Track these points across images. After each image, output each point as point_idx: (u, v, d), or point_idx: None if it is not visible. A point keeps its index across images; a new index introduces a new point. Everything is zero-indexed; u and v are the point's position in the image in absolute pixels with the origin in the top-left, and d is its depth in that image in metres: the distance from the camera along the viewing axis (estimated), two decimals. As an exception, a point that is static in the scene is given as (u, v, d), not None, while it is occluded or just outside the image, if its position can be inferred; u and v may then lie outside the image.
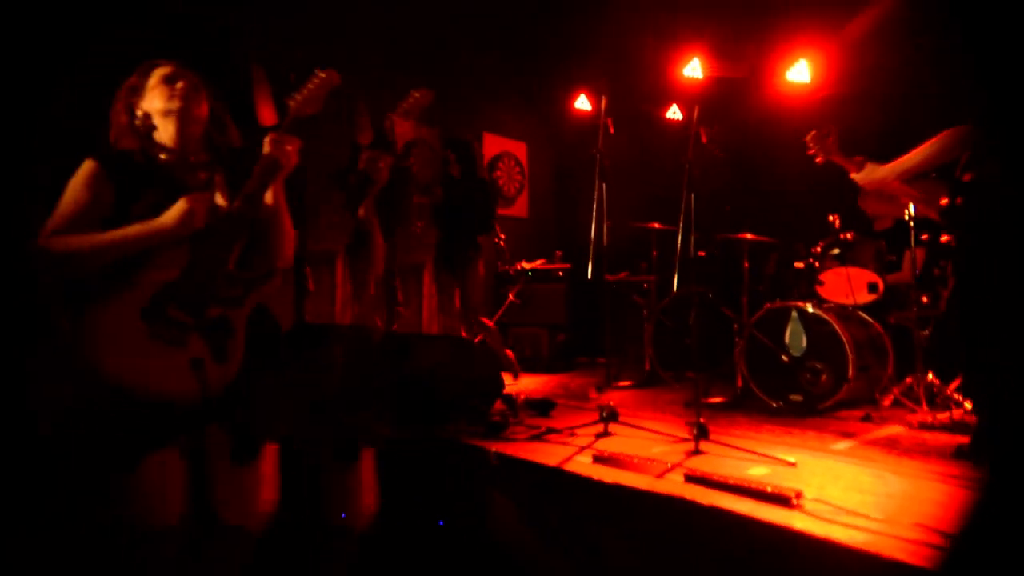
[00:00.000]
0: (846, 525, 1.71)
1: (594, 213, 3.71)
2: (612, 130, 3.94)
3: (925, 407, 3.18)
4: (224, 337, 1.70)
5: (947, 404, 3.16)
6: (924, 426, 3.02)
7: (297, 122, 1.81)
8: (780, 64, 4.74)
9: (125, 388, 1.55)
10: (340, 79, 1.86)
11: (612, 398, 2.98)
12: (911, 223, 3.19)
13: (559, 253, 5.44)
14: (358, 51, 4.40)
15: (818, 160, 3.54)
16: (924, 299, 3.49)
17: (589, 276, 3.77)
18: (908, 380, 3.37)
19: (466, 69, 5.51)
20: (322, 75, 1.84)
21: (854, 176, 2.75)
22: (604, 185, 3.79)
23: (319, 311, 4.38)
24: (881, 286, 3.61)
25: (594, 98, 5.61)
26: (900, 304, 3.69)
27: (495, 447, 2.53)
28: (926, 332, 3.38)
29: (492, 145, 5.92)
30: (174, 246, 1.65)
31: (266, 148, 1.77)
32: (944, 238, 3.48)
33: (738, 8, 4.89)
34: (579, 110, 5.73)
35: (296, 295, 3.89)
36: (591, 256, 3.68)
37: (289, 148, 1.78)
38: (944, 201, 2.35)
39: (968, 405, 3.09)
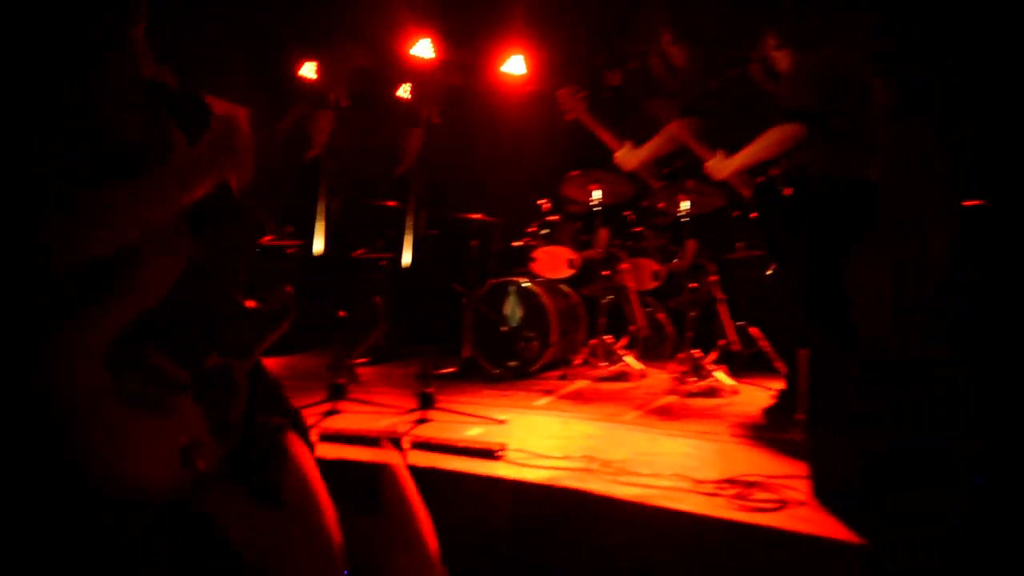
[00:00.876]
0: (536, 467, 2.05)
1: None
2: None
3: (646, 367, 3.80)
4: (226, 401, 1.12)
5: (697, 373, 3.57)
6: (602, 379, 3.70)
7: None
8: (500, 55, 5.16)
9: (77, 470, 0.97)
10: None
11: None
12: (686, 218, 3.61)
13: (289, 229, 5.21)
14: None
15: (568, 117, 3.92)
16: (693, 285, 3.90)
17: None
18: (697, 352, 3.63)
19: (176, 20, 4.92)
20: None
21: (708, 164, 2.96)
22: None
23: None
24: (579, 261, 4.22)
25: (322, 68, 5.45)
26: (675, 290, 4.16)
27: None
28: (695, 313, 3.78)
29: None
30: (166, 244, 1.06)
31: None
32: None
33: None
34: (306, 78, 5.54)
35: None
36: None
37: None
38: (760, 179, 2.73)
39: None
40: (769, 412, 2.86)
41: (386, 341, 4.72)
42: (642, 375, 3.79)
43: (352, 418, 2.73)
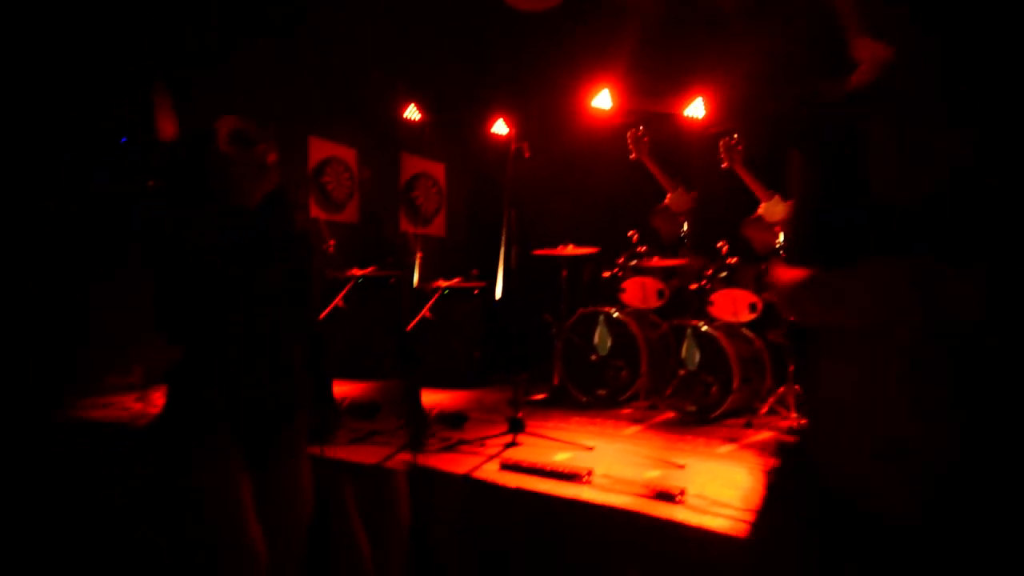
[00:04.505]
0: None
1: (503, 237, 3.83)
2: (527, 154, 4.16)
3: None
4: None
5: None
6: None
7: None
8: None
9: None
10: None
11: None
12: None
13: (475, 272, 5.56)
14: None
15: (724, 166, 4.05)
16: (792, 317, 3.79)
17: (498, 297, 3.86)
18: (780, 389, 3.68)
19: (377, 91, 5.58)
20: None
21: (763, 206, 3.00)
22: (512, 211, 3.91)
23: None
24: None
25: (511, 123, 5.83)
26: (775, 323, 3.99)
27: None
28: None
29: (410, 166, 6.00)
30: None
31: None
32: None
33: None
34: (496, 134, 5.93)
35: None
36: (500, 278, 3.76)
37: None
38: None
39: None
40: None
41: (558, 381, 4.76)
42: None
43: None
